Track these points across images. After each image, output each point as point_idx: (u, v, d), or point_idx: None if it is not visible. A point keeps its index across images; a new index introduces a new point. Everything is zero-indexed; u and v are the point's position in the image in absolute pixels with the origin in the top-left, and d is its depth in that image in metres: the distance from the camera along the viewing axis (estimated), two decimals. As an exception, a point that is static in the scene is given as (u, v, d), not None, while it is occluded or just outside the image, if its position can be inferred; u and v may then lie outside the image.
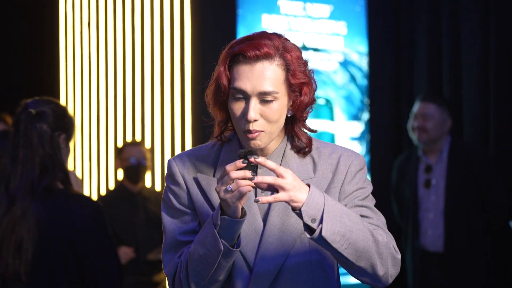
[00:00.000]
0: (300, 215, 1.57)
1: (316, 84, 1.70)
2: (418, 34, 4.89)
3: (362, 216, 1.69)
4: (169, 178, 1.75)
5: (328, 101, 4.70)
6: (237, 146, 1.74)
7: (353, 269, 1.65)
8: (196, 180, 1.72)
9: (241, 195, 1.55)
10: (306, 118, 1.73)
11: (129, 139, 4.54)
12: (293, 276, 1.69)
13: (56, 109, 2.47)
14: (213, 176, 1.72)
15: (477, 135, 4.45)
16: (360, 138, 4.85)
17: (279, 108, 1.64)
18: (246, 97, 1.62)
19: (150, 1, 4.41)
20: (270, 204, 1.69)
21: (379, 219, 1.73)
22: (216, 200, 1.68)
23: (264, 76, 1.61)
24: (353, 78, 4.88)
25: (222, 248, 1.60)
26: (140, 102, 4.48)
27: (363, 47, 4.89)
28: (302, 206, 1.55)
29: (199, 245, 1.64)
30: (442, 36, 4.71)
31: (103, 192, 4.68)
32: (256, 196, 1.70)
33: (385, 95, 5.00)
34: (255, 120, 1.62)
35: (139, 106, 4.49)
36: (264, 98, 1.62)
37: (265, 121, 1.63)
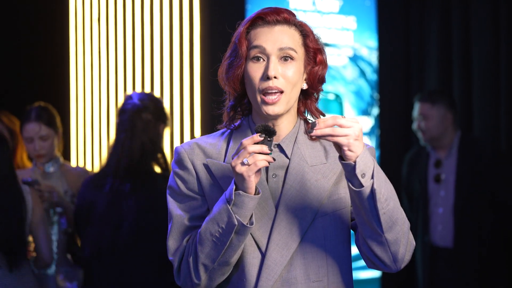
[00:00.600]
0: (351, 166, 1.55)
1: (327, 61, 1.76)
2: (428, 28, 4.87)
3: None
4: (177, 164, 1.75)
5: (337, 96, 4.69)
6: (247, 132, 1.74)
7: (377, 242, 1.62)
8: (206, 166, 1.73)
9: (257, 169, 1.56)
10: (318, 96, 1.77)
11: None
12: (307, 262, 1.69)
13: (157, 102, 2.80)
14: (224, 162, 1.72)
15: (487, 129, 4.44)
16: (369, 133, 4.85)
17: (297, 69, 1.68)
18: (266, 57, 1.67)
19: (160, -4, 4.42)
20: (282, 189, 1.69)
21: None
22: (226, 186, 1.68)
23: (284, 35, 1.68)
24: (362, 73, 4.87)
25: (236, 223, 1.59)
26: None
27: (373, 42, 4.88)
28: (357, 158, 1.54)
29: (211, 223, 1.63)
30: (452, 31, 4.69)
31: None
32: (267, 180, 1.71)
33: (395, 90, 4.99)
34: (275, 78, 1.65)
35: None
36: (284, 54, 1.67)
37: (285, 80, 1.66)
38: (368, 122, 4.87)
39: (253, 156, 1.56)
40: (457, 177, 3.89)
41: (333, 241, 1.70)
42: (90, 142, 4.84)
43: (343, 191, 1.71)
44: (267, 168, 1.71)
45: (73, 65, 4.94)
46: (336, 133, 1.53)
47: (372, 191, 1.55)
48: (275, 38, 1.67)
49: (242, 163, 1.56)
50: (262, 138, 1.58)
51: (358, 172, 1.55)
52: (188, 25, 4.31)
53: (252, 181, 1.58)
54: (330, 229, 1.70)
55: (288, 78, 1.66)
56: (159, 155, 2.74)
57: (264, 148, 1.57)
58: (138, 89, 4.55)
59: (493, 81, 4.43)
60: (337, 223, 1.71)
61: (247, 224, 1.61)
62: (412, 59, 4.99)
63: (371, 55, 4.88)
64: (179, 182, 1.74)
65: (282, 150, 1.73)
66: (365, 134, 4.84)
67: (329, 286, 1.70)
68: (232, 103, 1.77)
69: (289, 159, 1.72)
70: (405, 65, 5.02)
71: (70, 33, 4.93)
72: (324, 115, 1.76)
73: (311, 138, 1.73)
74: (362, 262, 4.66)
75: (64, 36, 4.95)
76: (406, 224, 1.65)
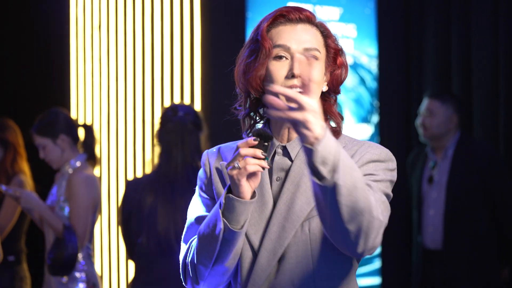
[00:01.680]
0: (309, 151, 1.39)
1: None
2: (427, 37, 4.89)
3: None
4: (202, 166, 1.76)
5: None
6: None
7: (336, 231, 1.49)
8: (218, 169, 1.71)
9: (248, 173, 1.53)
10: (336, 98, 1.73)
11: (139, 141, 4.56)
12: (291, 267, 1.63)
13: (197, 113, 3.09)
14: None
15: (486, 134, 4.46)
16: (369, 141, 4.85)
17: (321, 70, 1.65)
18: (290, 56, 1.63)
19: (160, 4, 4.43)
20: (281, 190, 1.65)
21: (379, 196, 1.58)
22: None
23: (307, 34, 1.64)
24: (362, 81, 4.88)
25: (222, 227, 1.55)
26: (150, 106, 4.50)
27: (373, 50, 4.89)
28: (316, 142, 1.38)
29: (205, 225, 1.62)
30: (452, 39, 4.71)
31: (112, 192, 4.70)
32: (271, 181, 1.66)
33: (395, 98, 5.00)
34: (300, 76, 1.60)
35: (149, 109, 4.51)
36: (309, 54, 1.63)
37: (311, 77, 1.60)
38: (368, 130, 4.88)
39: (245, 160, 1.52)
40: (449, 179, 3.90)
41: (321, 245, 1.64)
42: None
43: None
44: (271, 171, 1.68)
45: (73, 72, 4.95)
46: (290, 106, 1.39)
47: (335, 186, 1.40)
48: (299, 37, 1.63)
49: (233, 167, 1.53)
50: (256, 142, 1.53)
51: (318, 159, 1.38)
52: (189, 33, 4.32)
53: (243, 186, 1.54)
54: (315, 232, 1.63)
55: (312, 77, 1.59)
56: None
57: (257, 153, 1.52)
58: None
59: (492, 88, 4.44)
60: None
61: (237, 229, 1.57)
62: (412, 67, 5.00)
63: (371, 63, 4.89)
64: (199, 184, 1.75)
65: (287, 153, 1.69)
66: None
67: None
68: (247, 111, 1.72)
69: (292, 162, 1.68)
70: (405, 73, 5.03)
71: (71, 40, 4.94)
72: (343, 118, 1.73)
73: None
74: (361, 270, 4.66)
75: (65, 44, 4.96)
76: (374, 210, 1.48)
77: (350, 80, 4.81)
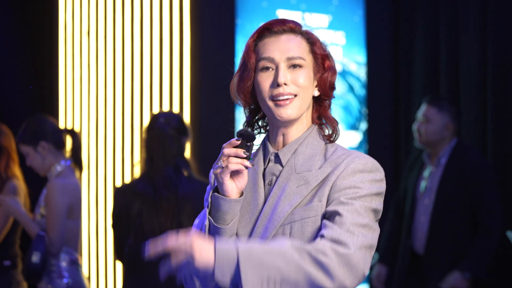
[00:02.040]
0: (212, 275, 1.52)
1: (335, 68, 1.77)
2: (416, 44, 4.91)
3: (328, 220, 1.60)
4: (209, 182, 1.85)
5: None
6: (258, 151, 1.78)
7: None
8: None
9: (230, 172, 1.61)
10: (330, 103, 1.78)
11: (128, 147, 4.55)
12: None
13: (178, 119, 3.24)
14: None
15: (474, 138, 4.49)
16: (358, 148, 4.86)
17: (307, 76, 1.71)
18: (274, 66, 1.70)
19: (149, 10, 4.43)
20: (270, 192, 1.71)
21: (347, 226, 1.59)
22: None
23: (291, 44, 1.71)
24: (351, 88, 4.89)
25: (207, 222, 1.64)
26: (139, 111, 4.49)
27: (362, 57, 4.91)
28: (213, 264, 1.52)
29: (197, 225, 1.71)
30: (441, 47, 4.73)
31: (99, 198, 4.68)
32: (264, 183, 1.73)
33: (383, 105, 5.02)
34: (285, 85, 1.68)
35: (138, 115, 4.50)
36: (292, 63, 1.69)
37: (295, 85, 1.69)
38: (356, 137, 4.89)
39: (228, 159, 1.61)
40: (439, 186, 3.92)
41: None
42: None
43: (317, 199, 1.65)
44: (265, 176, 1.74)
45: (62, 77, 4.94)
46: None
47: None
48: (282, 47, 1.70)
49: (218, 166, 1.63)
50: (239, 142, 1.62)
51: (218, 277, 1.52)
52: (178, 39, 4.32)
53: (227, 184, 1.63)
54: (296, 236, 1.65)
55: (298, 83, 1.69)
56: (187, 165, 3.19)
57: (239, 152, 1.61)
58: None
59: (480, 94, 4.47)
60: (304, 232, 1.65)
61: (222, 226, 1.65)
62: (400, 75, 5.02)
63: (360, 70, 4.91)
64: (205, 196, 1.81)
65: (278, 160, 1.73)
66: (353, 148, 4.86)
67: None
68: (248, 118, 1.80)
69: (283, 168, 1.72)
70: (394, 80, 5.05)
71: (60, 45, 4.93)
72: (337, 123, 1.76)
73: (329, 139, 1.73)
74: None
75: (53, 49, 4.95)
76: (324, 264, 1.54)
77: (339, 88, 4.81)
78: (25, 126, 3.59)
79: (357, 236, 1.58)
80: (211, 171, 1.80)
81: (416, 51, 4.90)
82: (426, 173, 4.03)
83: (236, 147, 1.62)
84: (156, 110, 4.42)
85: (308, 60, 1.71)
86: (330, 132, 1.75)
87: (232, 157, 1.61)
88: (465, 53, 4.56)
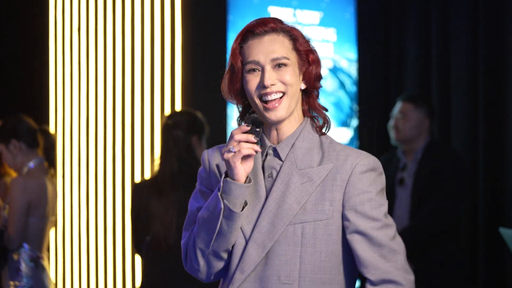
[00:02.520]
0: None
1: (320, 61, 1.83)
2: (407, 41, 4.92)
3: (361, 245, 1.75)
4: (202, 164, 1.91)
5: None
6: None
7: None
8: (217, 166, 1.85)
9: (242, 156, 1.68)
10: (318, 93, 1.84)
11: (118, 145, 4.54)
12: (281, 263, 1.74)
13: (187, 117, 3.36)
14: None
15: (465, 138, 4.50)
16: (349, 145, 4.87)
17: (293, 73, 1.77)
18: (260, 68, 1.76)
19: (141, 7, 4.42)
20: (272, 188, 1.77)
21: (384, 254, 1.76)
22: None
23: (274, 44, 1.77)
24: (342, 85, 4.90)
25: (222, 206, 1.70)
26: (130, 108, 4.49)
27: (353, 54, 4.92)
28: None
29: (205, 209, 1.76)
30: (432, 44, 4.75)
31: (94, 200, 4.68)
32: (264, 175, 1.80)
33: (374, 102, 5.03)
34: (272, 85, 1.74)
35: (129, 111, 4.49)
36: (277, 63, 1.75)
37: (282, 84, 1.75)
38: (347, 134, 4.90)
39: (239, 144, 1.69)
40: (414, 180, 3.95)
41: (311, 250, 1.74)
42: (69, 152, 4.82)
43: (328, 203, 1.74)
44: (264, 169, 1.80)
45: (52, 74, 4.92)
46: None
47: None
48: (266, 49, 1.76)
49: (229, 151, 1.69)
50: (249, 128, 1.70)
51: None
52: (170, 36, 4.31)
53: (238, 168, 1.69)
54: (308, 238, 1.74)
55: (285, 81, 1.75)
56: (195, 164, 3.29)
57: (250, 137, 1.69)
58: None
59: (471, 90, 4.48)
60: (317, 234, 1.74)
61: (235, 210, 1.71)
62: (391, 71, 5.03)
63: (351, 67, 4.92)
64: (198, 181, 1.90)
65: (277, 154, 1.80)
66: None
67: None
68: (242, 114, 1.86)
69: (282, 162, 1.79)
70: (384, 77, 5.07)
71: (50, 42, 4.92)
72: (327, 110, 1.84)
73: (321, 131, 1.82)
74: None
75: (44, 46, 4.93)
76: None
77: (330, 84, 4.84)
78: (0, 125, 3.66)
79: (395, 261, 1.75)
80: (204, 153, 1.89)
81: (407, 48, 4.92)
82: (401, 166, 4.06)
83: (245, 132, 1.69)
84: (147, 106, 4.42)
85: (292, 58, 1.77)
86: (322, 123, 1.83)
87: (243, 142, 1.68)
88: (457, 49, 4.57)
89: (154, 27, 4.38)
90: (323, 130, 1.82)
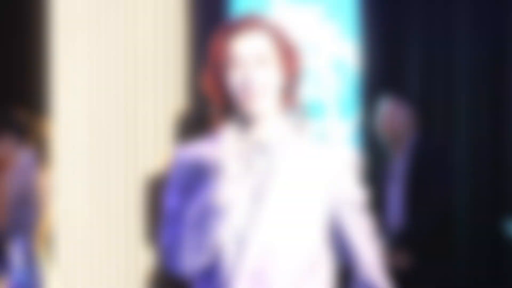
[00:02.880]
0: None
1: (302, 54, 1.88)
2: (411, 36, 4.91)
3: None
4: None
5: (318, 101, 4.71)
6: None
7: None
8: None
9: None
10: (299, 88, 1.88)
11: (121, 139, 4.53)
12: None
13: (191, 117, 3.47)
14: None
15: (469, 136, 4.50)
16: (349, 140, 4.86)
17: (274, 69, 1.81)
18: (242, 66, 1.79)
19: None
20: (260, 174, 1.82)
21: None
22: None
23: (254, 43, 1.80)
24: (344, 79, 4.89)
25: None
26: (130, 107, 4.47)
27: (354, 49, 4.90)
28: None
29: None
30: (435, 39, 4.73)
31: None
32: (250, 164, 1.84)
33: (376, 98, 5.01)
34: (253, 83, 1.78)
35: (131, 110, 4.48)
36: (258, 61, 1.79)
37: (263, 80, 1.79)
38: (348, 129, 4.89)
39: None
40: (405, 175, 3.97)
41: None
42: (67, 144, 4.81)
43: (316, 188, 1.86)
44: (249, 157, 1.84)
45: (53, 70, 4.90)
46: None
47: None
48: (248, 47, 1.80)
49: None
50: None
51: None
52: (172, 28, 4.30)
53: None
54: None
55: (267, 78, 1.79)
56: None
57: None
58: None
59: (473, 85, 4.48)
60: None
61: None
62: (394, 66, 5.02)
63: (352, 62, 4.90)
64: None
65: (261, 146, 1.84)
66: (346, 139, 4.86)
67: None
68: (223, 113, 1.89)
69: (267, 154, 1.83)
70: (387, 71, 5.05)
71: (52, 35, 4.90)
72: (306, 104, 1.92)
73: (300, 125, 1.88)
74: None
75: (45, 39, 4.92)
76: None
77: (332, 78, 4.82)
78: None
79: None
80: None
81: (409, 44, 4.90)
82: (393, 165, 4.08)
83: None
84: (146, 103, 4.40)
85: (273, 55, 1.81)
86: (301, 117, 1.89)
87: None
88: (460, 47, 4.56)
89: (157, 22, 4.36)
90: (302, 123, 1.89)
